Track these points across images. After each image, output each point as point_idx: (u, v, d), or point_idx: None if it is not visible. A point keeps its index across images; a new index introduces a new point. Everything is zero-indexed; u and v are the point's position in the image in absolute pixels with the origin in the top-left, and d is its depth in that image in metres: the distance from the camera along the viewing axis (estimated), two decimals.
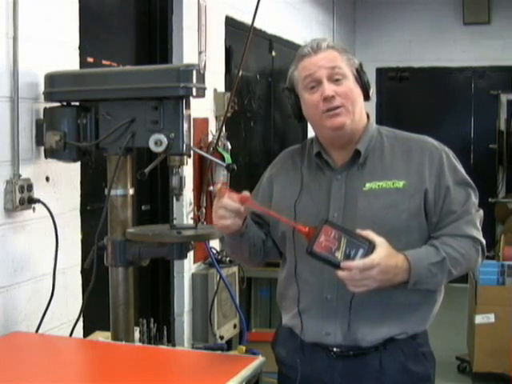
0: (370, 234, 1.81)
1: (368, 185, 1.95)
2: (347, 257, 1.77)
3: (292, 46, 5.91)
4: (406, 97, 7.83)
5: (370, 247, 1.78)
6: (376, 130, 2.04)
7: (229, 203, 1.92)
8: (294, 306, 2.05)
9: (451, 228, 1.94)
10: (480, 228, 1.99)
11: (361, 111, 2.00)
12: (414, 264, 1.85)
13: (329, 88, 1.93)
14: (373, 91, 2.03)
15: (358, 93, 1.98)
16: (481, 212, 2.01)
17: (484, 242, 1.98)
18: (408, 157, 1.98)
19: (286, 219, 1.93)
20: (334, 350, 1.99)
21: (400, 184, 1.94)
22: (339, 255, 1.77)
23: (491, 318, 4.71)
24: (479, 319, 4.72)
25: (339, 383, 2.00)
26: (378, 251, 1.78)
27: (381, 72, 7.70)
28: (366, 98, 2.01)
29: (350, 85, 1.96)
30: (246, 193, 1.93)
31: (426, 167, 1.96)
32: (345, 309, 1.95)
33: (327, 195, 1.99)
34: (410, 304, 1.97)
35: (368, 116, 2.06)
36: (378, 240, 1.80)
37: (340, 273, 1.78)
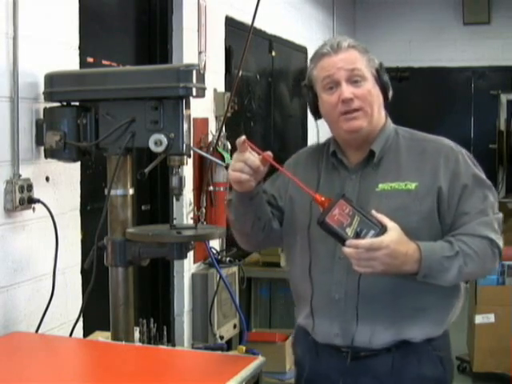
0: (384, 217, 1.78)
1: (381, 185, 1.94)
2: (357, 235, 1.74)
3: (292, 46, 5.92)
4: (406, 97, 7.82)
5: (382, 230, 1.76)
6: (393, 130, 2.03)
7: (250, 158, 1.87)
8: (306, 305, 2.04)
9: (466, 228, 1.90)
10: (499, 231, 1.93)
11: (379, 112, 1.99)
12: (426, 255, 1.81)
13: (347, 90, 1.92)
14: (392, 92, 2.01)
15: (376, 94, 1.96)
16: (500, 215, 1.96)
17: (501, 245, 1.91)
18: (423, 158, 1.96)
19: (306, 188, 1.87)
20: (344, 350, 1.98)
21: (412, 186, 1.92)
22: (350, 232, 1.74)
23: (491, 317, 4.71)
24: (479, 319, 4.72)
25: None
26: (390, 234, 1.75)
27: None
28: (386, 98, 1.99)
29: (369, 87, 1.94)
30: (268, 153, 1.90)
31: (440, 169, 1.93)
32: (353, 310, 1.94)
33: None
34: (421, 307, 1.94)
35: (386, 116, 2.04)
36: (391, 224, 1.77)
37: (346, 249, 1.76)
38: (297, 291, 2.11)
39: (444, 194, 1.91)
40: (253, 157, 1.87)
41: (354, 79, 1.93)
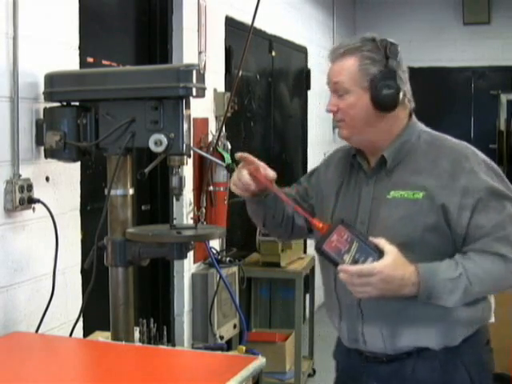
0: (381, 241, 1.79)
1: (392, 193, 1.93)
2: (355, 262, 1.75)
3: (292, 46, 5.92)
4: None
5: (380, 256, 1.76)
6: (416, 135, 1.98)
7: (244, 177, 2.01)
8: (335, 311, 2.07)
9: (480, 244, 1.84)
10: None
11: (371, 123, 1.94)
12: (426, 278, 1.79)
13: (330, 103, 1.98)
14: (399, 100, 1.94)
15: (363, 106, 1.93)
16: None
17: None
18: (435, 167, 1.90)
19: (304, 213, 1.94)
20: (367, 354, 2.01)
21: (420, 195, 1.88)
22: (347, 258, 1.75)
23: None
24: None
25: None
26: (384, 260, 1.75)
27: None
28: (386, 109, 1.93)
29: (351, 100, 1.93)
30: (270, 175, 1.99)
31: (452, 179, 1.87)
32: (363, 315, 1.97)
33: (358, 199, 2.00)
34: (425, 318, 1.90)
35: (410, 121, 2.00)
36: (388, 248, 1.77)
37: (340, 275, 1.78)
38: (325, 297, 2.14)
39: (450, 208, 1.85)
40: (247, 175, 2.01)
41: (338, 92, 1.96)
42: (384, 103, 1.92)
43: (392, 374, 1.98)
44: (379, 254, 1.76)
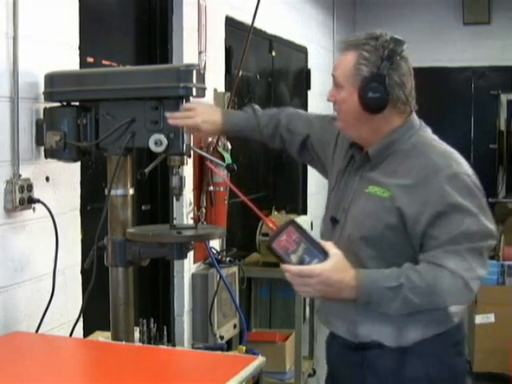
0: (328, 245, 1.86)
1: (370, 187, 1.97)
2: (301, 262, 1.83)
3: (292, 46, 5.92)
4: None
5: (325, 258, 1.83)
6: (407, 138, 1.98)
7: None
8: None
9: (431, 254, 1.87)
10: (473, 261, 1.86)
11: (362, 121, 1.97)
12: (364, 284, 1.85)
13: (330, 93, 2.02)
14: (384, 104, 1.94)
15: (353, 104, 1.95)
16: (483, 244, 1.88)
17: (470, 277, 1.85)
18: (407, 172, 1.93)
19: (258, 212, 2.02)
20: (340, 341, 2.07)
21: (386, 194, 1.93)
22: (294, 258, 1.83)
23: (491, 317, 4.71)
24: (479, 319, 4.72)
25: (346, 372, 2.08)
26: (324, 263, 1.82)
27: None
28: (371, 111, 1.94)
29: (343, 95, 1.98)
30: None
31: (416, 188, 1.89)
32: (323, 302, 2.10)
33: (345, 187, 2.06)
34: (381, 315, 1.93)
35: (403, 123, 2.00)
36: (333, 252, 1.84)
37: (285, 274, 1.85)
38: None
39: (407, 215, 1.88)
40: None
41: (336, 85, 2.00)
42: (368, 106, 1.94)
43: (358, 362, 2.03)
44: (325, 256, 1.83)
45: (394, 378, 1.98)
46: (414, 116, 2.04)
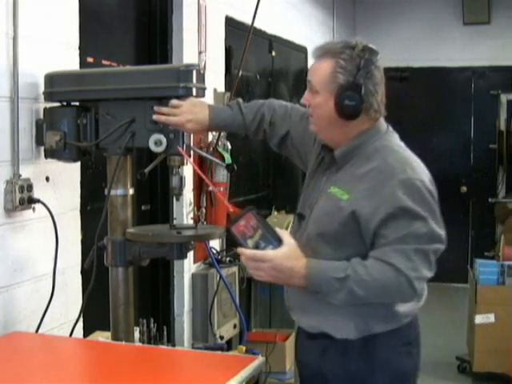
0: (283, 233, 1.96)
1: (331, 188, 2.05)
2: (256, 247, 1.92)
3: (292, 46, 5.92)
4: (406, 97, 7.83)
5: (279, 246, 1.92)
6: (372, 142, 2.05)
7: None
8: None
9: (379, 251, 1.93)
10: (420, 263, 1.92)
11: (334, 125, 2.04)
12: (314, 274, 1.93)
13: (305, 97, 2.10)
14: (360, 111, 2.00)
15: (327, 109, 2.03)
16: (429, 247, 1.94)
17: (414, 276, 1.91)
18: (365, 175, 1.99)
19: (222, 197, 2.16)
20: (299, 329, 2.19)
21: (345, 196, 2.00)
22: (250, 243, 1.92)
23: (491, 317, 4.71)
24: (479, 319, 4.72)
25: (303, 358, 2.18)
26: (277, 250, 1.91)
27: None
28: (346, 117, 2.01)
29: (318, 100, 2.04)
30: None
31: (372, 191, 1.95)
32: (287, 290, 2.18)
33: (314, 186, 2.15)
34: (326, 307, 2.00)
35: (370, 128, 2.06)
36: (287, 240, 1.94)
37: (241, 257, 1.95)
38: None
39: (361, 216, 1.95)
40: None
41: (311, 90, 2.07)
42: (344, 113, 2.02)
43: (311, 350, 2.12)
44: (279, 243, 1.93)
45: (340, 370, 2.05)
46: (382, 121, 2.11)
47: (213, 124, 2.33)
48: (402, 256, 1.91)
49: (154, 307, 3.90)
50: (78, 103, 2.49)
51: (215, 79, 4.25)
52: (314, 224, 2.07)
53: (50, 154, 2.51)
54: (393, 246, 1.92)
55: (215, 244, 4.14)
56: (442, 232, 1.97)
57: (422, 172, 2.00)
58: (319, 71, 2.05)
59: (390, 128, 2.13)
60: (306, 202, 2.16)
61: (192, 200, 3.94)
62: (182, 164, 2.37)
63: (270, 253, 1.91)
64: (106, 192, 2.39)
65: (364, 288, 1.91)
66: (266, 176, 5.52)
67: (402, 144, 2.10)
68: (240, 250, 1.94)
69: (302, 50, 6.17)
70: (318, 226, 2.05)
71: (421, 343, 2.17)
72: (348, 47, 2.02)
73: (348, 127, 2.05)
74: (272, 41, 5.40)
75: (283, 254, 1.92)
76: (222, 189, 4.00)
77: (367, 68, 2.00)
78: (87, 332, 2.78)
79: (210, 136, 4.10)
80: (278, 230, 1.95)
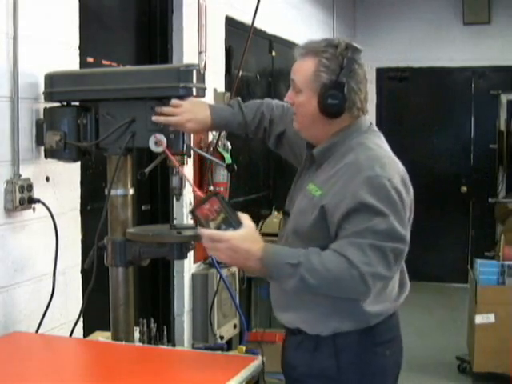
0: (244, 217, 1.98)
1: (309, 185, 2.08)
2: (218, 229, 1.96)
3: (292, 46, 5.89)
4: (406, 97, 7.83)
5: (238, 228, 1.97)
6: (349, 139, 2.06)
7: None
8: None
9: (336, 243, 1.94)
10: (374, 258, 1.89)
11: (317, 123, 2.06)
12: (267, 257, 1.94)
13: (288, 95, 2.12)
14: (345, 108, 2.02)
15: (311, 108, 2.05)
16: (388, 245, 1.90)
17: (367, 271, 1.88)
18: (337, 172, 2.01)
19: (189, 180, 2.21)
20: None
21: (318, 193, 2.02)
22: (212, 225, 1.96)
23: (491, 317, 4.71)
24: (479, 319, 4.72)
25: (284, 352, 2.20)
26: (235, 232, 1.94)
27: (381, 72, 7.69)
28: (329, 116, 2.03)
29: (301, 99, 2.06)
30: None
31: (342, 187, 1.96)
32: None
33: (299, 186, 2.18)
34: (298, 303, 2.06)
35: (348, 127, 2.07)
36: (246, 223, 1.96)
37: (202, 238, 1.98)
38: None
39: (328, 211, 1.97)
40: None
41: (295, 88, 2.09)
42: (327, 111, 2.04)
43: (289, 346, 2.16)
44: (239, 227, 1.96)
45: (311, 365, 2.07)
46: (364, 119, 2.11)
47: (214, 123, 2.33)
48: (358, 250, 1.90)
49: (154, 307, 3.90)
50: (78, 103, 2.49)
51: (215, 79, 4.25)
52: (291, 221, 2.11)
53: (50, 153, 2.51)
54: (350, 238, 1.91)
55: None
56: (404, 232, 1.94)
57: (393, 171, 1.98)
58: (302, 70, 2.06)
59: (374, 127, 2.13)
60: (291, 200, 2.20)
61: (192, 200, 3.94)
62: (182, 164, 2.36)
63: (227, 233, 1.93)
64: (106, 192, 2.39)
65: (316, 277, 1.91)
66: (267, 176, 5.52)
67: (383, 143, 2.10)
68: (200, 230, 1.97)
69: None
70: (294, 222, 2.08)
71: (400, 345, 2.16)
72: (331, 46, 2.03)
73: (331, 125, 2.07)
74: (272, 41, 5.40)
75: (240, 235, 1.94)
76: (222, 189, 4.00)
77: (350, 67, 2.01)
78: (87, 332, 2.78)
79: (210, 136, 4.10)
80: (239, 214, 1.98)
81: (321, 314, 2.04)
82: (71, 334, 2.51)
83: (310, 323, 2.08)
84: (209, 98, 4.08)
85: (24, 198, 2.49)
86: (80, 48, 2.87)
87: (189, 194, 3.88)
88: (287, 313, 2.14)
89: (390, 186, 1.94)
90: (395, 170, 2.00)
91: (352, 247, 1.90)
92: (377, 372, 2.09)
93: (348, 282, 1.91)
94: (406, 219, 1.97)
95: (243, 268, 2.13)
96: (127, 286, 2.41)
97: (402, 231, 1.94)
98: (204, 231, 1.96)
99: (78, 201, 2.87)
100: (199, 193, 2.13)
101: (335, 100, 2.01)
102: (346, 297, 1.98)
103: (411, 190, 2.03)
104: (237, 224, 1.96)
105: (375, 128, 2.14)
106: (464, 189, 7.64)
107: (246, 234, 1.95)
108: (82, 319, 2.59)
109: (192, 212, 2.01)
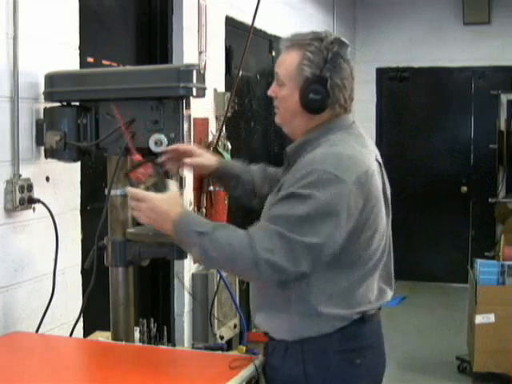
0: (172, 183, 2.02)
1: (281, 181, 2.03)
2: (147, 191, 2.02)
3: None
4: (406, 97, 7.83)
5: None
6: (322, 136, 1.97)
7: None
8: None
9: (256, 224, 1.90)
10: (277, 246, 1.80)
11: (296, 118, 2.01)
12: (179, 221, 1.93)
13: (271, 89, 2.06)
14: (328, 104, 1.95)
15: (293, 101, 1.99)
16: (297, 238, 1.80)
17: (263, 257, 1.80)
18: (298, 168, 1.93)
19: (132, 147, 2.18)
20: None
21: (278, 189, 1.99)
22: (142, 187, 2.02)
23: (491, 317, 4.71)
24: (479, 319, 4.72)
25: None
26: (160, 193, 1.97)
27: (381, 72, 7.69)
28: (311, 111, 1.98)
29: (284, 92, 2.01)
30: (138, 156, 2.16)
31: (289, 179, 1.92)
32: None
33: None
34: (270, 306, 2.01)
35: (324, 124, 2.00)
36: (171, 188, 2.00)
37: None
38: None
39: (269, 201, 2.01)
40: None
41: (278, 82, 2.04)
42: (309, 106, 1.97)
43: (268, 349, 2.09)
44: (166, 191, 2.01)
45: (280, 372, 2.01)
46: (345, 117, 2.02)
47: (220, 167, 2.35)
48: (264, 234, 1.83)
49: (154, 307, 3.90)
50: (78, 103, 2.49)
51: (215, 79, 4.25)
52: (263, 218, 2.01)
53: (50, 153, 2.51)
54: (263, 222, 1.88)
55: None
56: (329, 230, 1.83)
57: (349, 171, 1.86)
58: (286, 63, 2.00)
59: (356, 128, 2.02)
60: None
61: (192, 200, 3.94)
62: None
63: (150, 194, 1.96)
64: (106, 192, 2.39)
65: (217, 249, 1.85)
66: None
67: (357, 144, 1.97)
68: (127, 188, 2.02)
69: None
70: (262, 219, 1.97)
71: (378, 354, 2.06)
72: (317, 39, 1.96)
73: (312, 121, 2.00)
74: (272, 41, 5.40)
75: (162, 197, 1.96)
76: (222, 189, 4.00)
77: (335, 61, 1.94)
78: (87, 332, 2.78)
79: (210, 136, 4.10)
80: (169, 181, 2.04)
81: (284, 317, 1.97)
82: (71, 334, 2.51)
83: (273, 328, 2.03)
84: (209, 98, 4.08)
85: (24, 197, 2.49)
86: (80, 48, 2.88)
87: (188, 193, 3.88)
88: (258, 315, 2.08)
89: (332, 184, 1.84)
90: (355, 171, 1.87)
91: (260, 231, 1.85)
92: (346, 380, 1.97)
93: (241, 262, 1.84)
94: (342, 221, 1.84)
95: (160, 230, 2.00)
96: (127, 286, 2.41)
97: (325, 229, 1.82)
98: (130, 189, 2.02)
99: (78, 201, 2.87)
100: (137, 157, 2.15)
101: (317, 95, 1.94)
102: (241, 277, 2.01)
103: (375, 193, 1.92)
104: (165, 190, 2.01)
105: (358, 129, 2.03)
106: (464, 189, 7.64)
107: (168, 198, 1.98)
108: (81, 319, 2.59)
109: (126, 174, 2.09)
